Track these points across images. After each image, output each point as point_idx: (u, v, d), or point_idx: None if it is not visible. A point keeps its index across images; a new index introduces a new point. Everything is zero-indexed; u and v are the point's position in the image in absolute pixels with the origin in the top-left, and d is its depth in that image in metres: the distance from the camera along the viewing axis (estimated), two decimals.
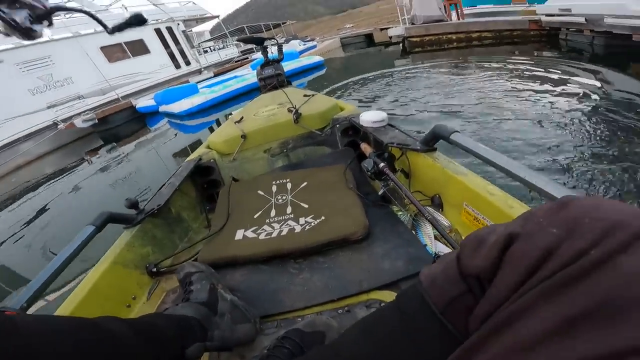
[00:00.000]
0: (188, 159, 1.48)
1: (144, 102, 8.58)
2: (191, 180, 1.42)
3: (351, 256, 0.90)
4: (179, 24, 12.56)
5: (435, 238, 0.89)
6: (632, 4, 4.13)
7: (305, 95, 1.78)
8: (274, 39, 2.67)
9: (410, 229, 0.96)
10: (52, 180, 5.28)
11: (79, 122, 7.64)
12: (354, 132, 1.48)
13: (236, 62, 14.59)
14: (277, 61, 2.30)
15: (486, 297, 0.33)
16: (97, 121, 7.89)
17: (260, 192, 1.26)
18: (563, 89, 3.21)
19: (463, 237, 0.67)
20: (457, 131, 0.84)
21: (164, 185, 1.25)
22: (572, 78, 3.60)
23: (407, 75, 5.34)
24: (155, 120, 7.94)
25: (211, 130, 5.18)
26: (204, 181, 1.46)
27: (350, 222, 0.95)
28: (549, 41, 6.26)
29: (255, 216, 1.13)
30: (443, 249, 0.86)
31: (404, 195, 0.96)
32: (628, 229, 0.25)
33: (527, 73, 4.09)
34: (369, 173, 1.08)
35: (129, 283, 0.93)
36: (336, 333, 0.66)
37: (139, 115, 8.67)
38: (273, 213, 1.13)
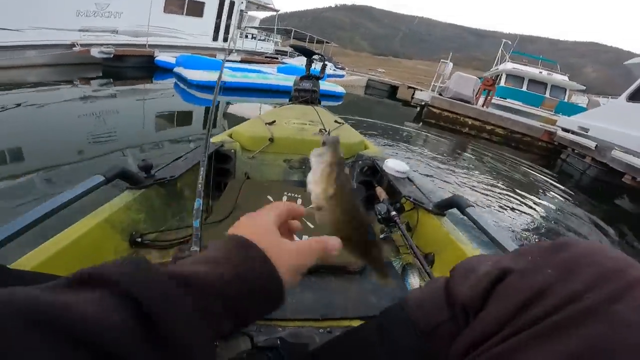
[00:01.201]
0: (212, 140, 1.47)
1: (164, 57, 8.58)
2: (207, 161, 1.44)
3: (343, 284, 0.95)
4: (242, 2, 12.76)
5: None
6: None
7: (336, 122, 1.89)
8: (322, 56, 2.63)
9: (400, 275, 1.05)
10: (26, 89, 4.98)
11: (95, 52, 7.53)
12: (371, 172, 1.59)
13: (266, 57, 14.69)
14: (317, 78, 2.38)
15: (471, 327, 0.33)
16: (112, 56, 7.80)
17: (270, 197, 1.25)
18: (533, 206, 3.51)
19: None
20: (472, 205, 0.96)
21: (180, 157, 1.23)
22: (547, 195, 3.97)
23: (412, 139, 5.60)
24: (163, 77, 7.90)
25: (208, 110, 4.99)
26: (216, 167, 1.42)
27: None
28: (549, 157, 6.70)
29: None
30: None
31: (406, 245, 1.05)
32: (622, 277, 0.26)
33: (508, 177, 4.44)
34: (379, 216, 1.15)
35: (107, 245, 0.87)
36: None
37: (153, 66, 8.64)
38: None
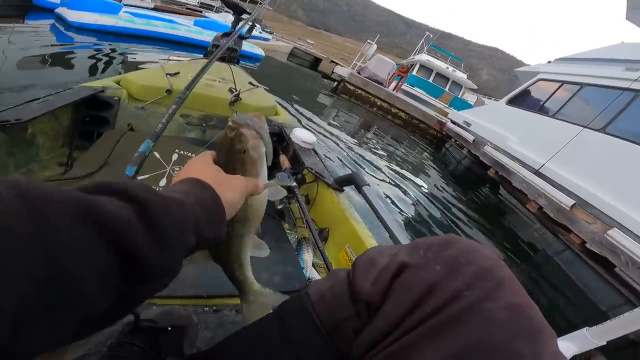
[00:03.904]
0: (85, 84, 1.22)
1: None
2: (73, 107, 1.15)
3: None
4: None
5: (313, 265, 0.97)
6: (512, 141, 5.18)
7: (250, 83, 1.72)
8: (253, 16, 2.48)
9: (294, 249, 1.02)
10: None
11: None
12: (278, 140, 1.50)
13: (187, 9, 12.95)
14: (241, 37, 2.16)
15: (373, 325, 0.34)
16: None
17: (156, 153, 1.11)
18: (414, 180, 4.13)
19: None
20: (368, 184, 0.97)
21: (37, 99, 1.00)
22: (428, 177, 4.65)
23: (324, 111, 5.73)
24: (38, 18, 6.10)
25: (93, 60, 4.19)
26: (90, 115, 1.22)
27: None
28: (436, 145, 7.77)
29: (139, 177, 0.98)
30: (316, 276, 0.94)
31: (302, 218, 1.02)
32: (493, 276, 0.31)
33: (401, 158, 5.06)
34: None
35: None
36: (196, 330, 0.62)
37: (28, 5, 6.50)
38: (163, 182, 1.01)
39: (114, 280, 0.21)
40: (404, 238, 0.80)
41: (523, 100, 6.11)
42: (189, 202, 0.30)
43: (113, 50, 5.13)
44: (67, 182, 0.88)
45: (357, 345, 0.35)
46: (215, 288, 0.77)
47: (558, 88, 5.34)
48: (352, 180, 1.04)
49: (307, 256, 0.99)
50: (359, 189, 0.99)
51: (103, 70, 3.68)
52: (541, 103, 5.57)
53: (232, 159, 0.44)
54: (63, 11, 6.11)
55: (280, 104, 1.78)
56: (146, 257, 0.23)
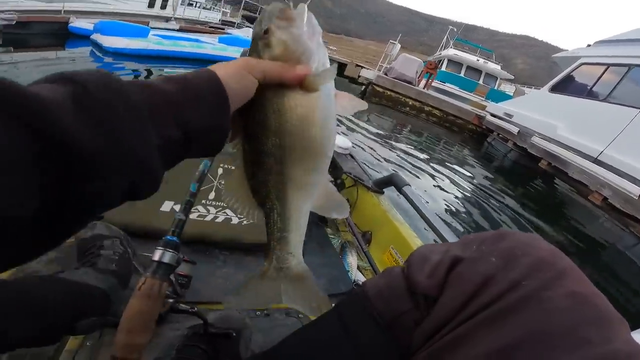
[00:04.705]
0: None
1: (81, 23, 7.34)
2: None
3: None
4: None
5: (358, 268, 0.97)
6: (562, 129, 4.90)
7: None
8: None
9: (338, 253, 1.04)
10: None
11: None
12: None
13: (210, 27, 13.64)
14: None
15: (432, 315, 0.35)
16: (14, 23, 6.50)
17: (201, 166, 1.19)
18: (456, 179, 3.91)
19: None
20: (408, 184, 0.96)
21: None
22: (473, 173, 4.41)
23: (355, 115, 5.71)
24: (77, 45, 6.88)
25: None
26: None
27: None
28: (477, 139, 7.38)
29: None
30: (361, 278, 0.95)
31: (344, 222, 1.03)
32: (553, 267, 0.31)
33: (441, 156, 4.83)
34: None
35: None
36: (250, 333, 0.65)
37: (66, 33, 7.40)
38: (212, 196, 1.08)
39: (34, 172, 0.17)
40: (451, 236, 0.78)
41: (567, 86, 5.77)
42: (169, 86, 0.25)
43: (149, 72, 5.59)
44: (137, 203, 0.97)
45: (417, 335, 0.36)
46: None
47: (605, 71, 4.98)
48: (391, 182, 1.03)
49: (352, 259, 1.00)
50: (399, 189, 0.98)
51: None
52: (588, 87, 5.22)
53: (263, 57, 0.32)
54: (98, 37, 6.65)
55: None
56: (76, 143, 0.18)
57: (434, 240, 1.01)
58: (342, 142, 1.34)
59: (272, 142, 0.32)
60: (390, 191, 1.11)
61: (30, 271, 0.69)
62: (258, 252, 0.92)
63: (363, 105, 0.34)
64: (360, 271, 0.97)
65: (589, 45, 6.03)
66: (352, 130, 4.61)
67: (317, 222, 1.14)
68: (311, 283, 0.40)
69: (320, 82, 0.30)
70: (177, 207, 0.96)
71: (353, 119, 5.15)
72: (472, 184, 4.01)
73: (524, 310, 0.29)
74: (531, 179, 5.13)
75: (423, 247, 0.43)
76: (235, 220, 0.99)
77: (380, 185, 1.10)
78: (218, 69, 0.29)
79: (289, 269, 0.39)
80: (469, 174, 4.43)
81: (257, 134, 0.32)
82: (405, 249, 0.90)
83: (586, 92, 5.23)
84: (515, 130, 5.90)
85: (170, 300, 0.55)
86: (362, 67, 12.18)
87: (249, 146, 0.33)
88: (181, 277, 0.64)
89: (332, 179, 1.18)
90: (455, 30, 16.79)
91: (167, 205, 0.96)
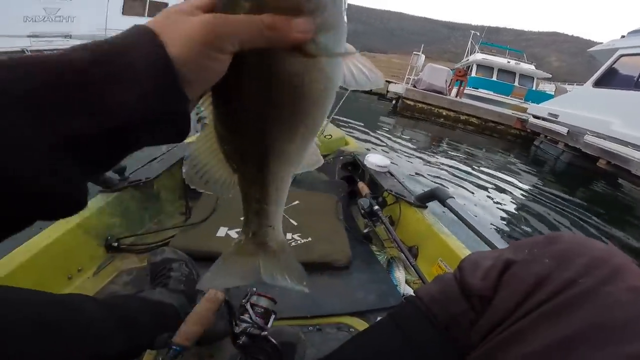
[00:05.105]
0: (189, 140, 1.48)
1: None
2: (182, 163, 1.41)
3: (329, 280, 0.96)
4: None
5: (406, 282, 0.99)
6: (616, 125, 4.57)
7: None
8: None
9: (385, 269, 1.06)
10: None
11: None
12: (353, 168, 1.59)
13: None
14: None
15: (488, 313, 0.36)
16: None
17: None
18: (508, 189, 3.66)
19: None
20: (452, 197, 0.98)
21: (156, 159, 1.22)
22: (524, 180, 4.14)
23: (390, 132, 5.67)
24: None
25: None
26: None
27: (336, 250, 1.03)
28: (522, 145, 6.95)
29: (242, 217, 1.15)
30: (410, 292, 0.96)
31: (389, 238, 1.06)
32: (610, 264, 0.31)
33: (486, 165, 4.57)
34: (362, 211, 1.16)
35: (81, 251, 0.85)
36: (304, 347, 0.68)
37: None
38: None
39: None
40: (502, 245, 0.78)
41: (611, 80, 5.43)
42: (77, 58, 0.18)
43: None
44: (189, 228, 1.04)
45: (474, 333, 0.38)
46: (317, 308, 0.84)
47: None
48: (434, 195, 1.05)
49: (399, 274, 1.02)
50: (442, 202, 0.99)
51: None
52: (635, 78, 4.87)
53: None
54: None
55: (347, 133, 1.89)
56: None
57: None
58: (380, 160, 1.38)
59: (252, 112, 0.24)
60: (434, 205, 1.13)
61: (109, 292, 0.82)
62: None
63: (379, 76, 0.27)
64: (409, 285, 0.98)
65: (623, 37, 5.77)
66: (389, 146, 4.60)
67: (362, 240, 1.18)
68: (291, 256, 0.38)
69: (327, 45, 0.22)
70: (232, 232, 1.06)
71: (387, 137, 5.15)
72: (526, 191, 3.78)
73: (584, 305, 0.29)
74: (591, 180, 4.71)
75: (473, 253, 0.45)
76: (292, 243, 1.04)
77: (423, 200, 1.12)
78: (168, 42, 0.19)
79: (268, 243, 0.36)
80: (519, 181, 4.17)
81: (232, 99, 0.25)
82: (454, 260, 0.91)
83: (633, 84, 4.88)
84: (564, 130, 5.53)
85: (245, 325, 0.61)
86: (389, 82, 12.17)
87: (220, 109, 0.26)
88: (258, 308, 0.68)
89: (374, 197, 1.21)
90: (478, 34, 16.39)
91: (222, 231, 1.05)
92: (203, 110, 0.27)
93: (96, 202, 0.95)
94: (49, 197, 0.17)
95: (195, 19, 0.20)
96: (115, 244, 0.93)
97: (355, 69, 0.26)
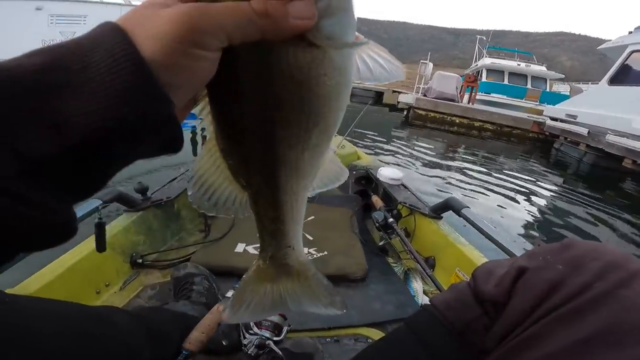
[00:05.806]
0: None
1: None
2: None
3: (346, 292, 0.97)
4: None
5: (424, 292, 0.99)
6: (637, 121, 4.39)
7: None
8: None
9: (402, 280, 1.07)
10: None
11: None
12: (366, 181, 1.62)
13: None
14: None
15: (503, 318, 0.37)
16: None
17: None
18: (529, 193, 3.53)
19: None
20: (468, 207, 0.99)
21: (175, 179, 1.27)
22: (547, 184, 4.00)
23: (403, 143, 5.58)
24: None
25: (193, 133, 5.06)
26: None
27: (352, 263, 1.05)
28: (542, 148, 6.69)
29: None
30: (428, 302, 0.96)
31: (405, 250, 1.07)
32: (625, 268, 0.32)
33: (506, 171, 4.38)
34: (377, 224, 1.18)
35: (109, 268, 0.90)
36: (321, 358, 0.70)
37: None
38: None
39: None
40: (520, 252, 0.78)
41: (626, 77, 5.33)
42: (29, 65, 0.15)
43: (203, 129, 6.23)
44: (208, 244, 1.09)
45: (489, 339, 0.39)
46: (335, 320, 0.85)
47: None
48: (448, 206, 1.06)
49: (417, 285, 1.02)
50: (457, 213, 1.00)
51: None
52: None
53: None
54: None
55: (357, 145, 1.91)
56: None
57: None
58: (393, 173, 1.40)
59: (253, 115, 0.22)
60: (450, 216, 1.13)
61: (135, 305, 0.88)
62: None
63: (398, 67, 0.24)
64: (427, 295, 0.99)
65: (630, 32, 5.74)
66: (403, 158, 4.54)
67: (378, 252, 1.19)
68: (318, 276, 0.32)
69: (332, 33, 0.19)
70: (250, 248, 1.10)
71: (399, 149, 5.12)
72: (552, 195, 3.66)
73: (601, 307, 0.30)
74: (617, 180, 4.51)
75: (487, 262, 0.46)
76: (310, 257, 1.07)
77: (438, 211, 1.13)
78: (139, 41, 0.17)
79: (290, 266, 0.31)
80: (544, 185, 4.01)
81: (229, 103, 0.22)
82: (472, 269, 0.91)
83: None
84: (584, 131, 5.32)
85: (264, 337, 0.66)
86: (399, 92, 12.14)
87: (219, 117, 0.23)
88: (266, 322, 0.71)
89: (388, 210, 1.23)
90: (485, 38, 16.33)
91: (240, 247, 1.09)
92: (202, 120, 0.24)
93: (121, 221, 1.00)
94: (25, 229, 0.16)
95: (169, 11, 0.17)
96: (140, 261, 0.98)
97: (370, 60, 0.23)
